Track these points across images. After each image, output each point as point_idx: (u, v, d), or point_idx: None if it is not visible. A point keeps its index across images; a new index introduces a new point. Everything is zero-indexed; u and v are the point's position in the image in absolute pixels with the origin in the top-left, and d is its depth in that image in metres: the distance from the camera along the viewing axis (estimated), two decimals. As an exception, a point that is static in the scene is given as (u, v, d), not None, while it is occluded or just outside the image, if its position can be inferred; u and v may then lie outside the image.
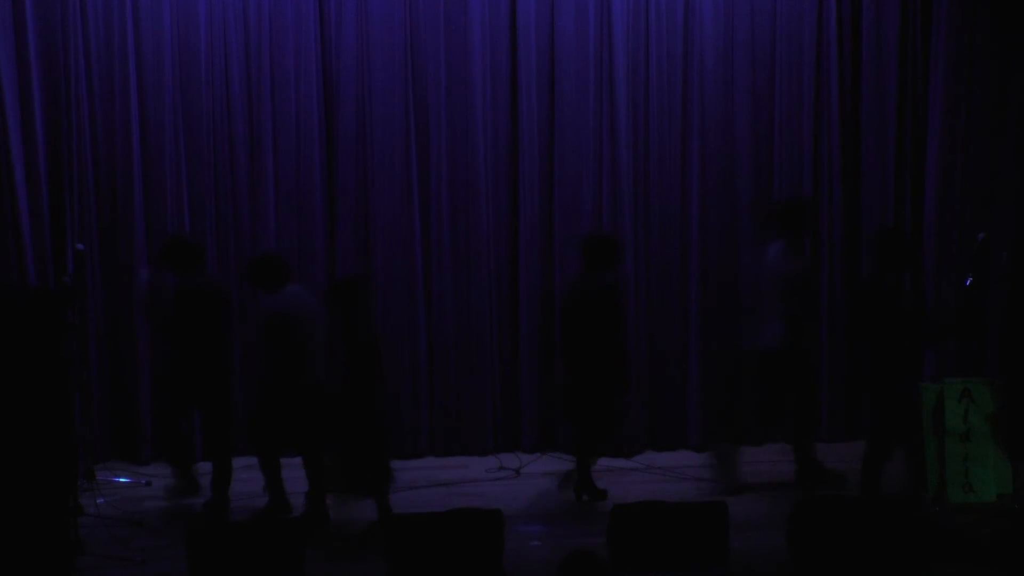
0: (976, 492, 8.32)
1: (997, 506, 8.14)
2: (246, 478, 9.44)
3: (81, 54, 9.40)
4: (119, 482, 9.30)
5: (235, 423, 9.04)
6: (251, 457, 8.83)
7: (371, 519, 8.26)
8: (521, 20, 9.87)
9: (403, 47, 9.84)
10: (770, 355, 8.82)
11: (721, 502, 7.08)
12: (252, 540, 6.76)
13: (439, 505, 8.17)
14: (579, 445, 8.97)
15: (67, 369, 7.87)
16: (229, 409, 8.87)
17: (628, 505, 7.00)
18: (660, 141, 10.01)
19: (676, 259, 10.06)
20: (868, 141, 10.13)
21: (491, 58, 9.91)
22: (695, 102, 10.00)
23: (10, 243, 9.09)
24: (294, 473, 8.63)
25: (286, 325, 8.36)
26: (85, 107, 9.45)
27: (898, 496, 8.22)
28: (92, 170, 9.50)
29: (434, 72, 9.87)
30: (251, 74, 9.74)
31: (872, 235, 9.06)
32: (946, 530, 7.87)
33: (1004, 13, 9.67)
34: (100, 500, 8.66)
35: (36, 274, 9.17)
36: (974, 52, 9.73)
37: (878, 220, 10.06)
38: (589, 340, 8.72)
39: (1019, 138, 9.72)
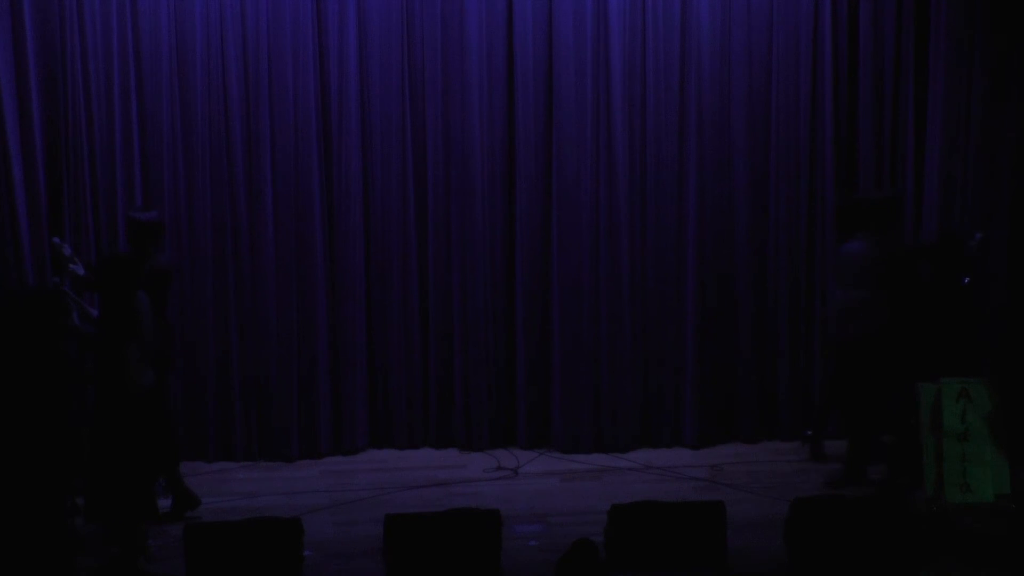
0: (974, 492, 8.33)
1: (995, 506, 8.15)
2: (243, 477, 9.47)
3: (79, 54, 9.38)
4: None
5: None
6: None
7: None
8: (518, 20, 9.86)
9: (400, 47, 9.84)
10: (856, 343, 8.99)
11: (719, 502, 7.10)
12: (250, 540, 6.76)
13: (437, 505, 8.18)
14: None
15: (65, 368, 7.87)
16: None
17: (626, 505, 7.02)
18: (657, 140, 10.01)
19: (672, 256, 10.08)
20: (865, 141, 10.13)
21: (488, 58, 9.90)
22: (691, 101, 10.00)
23: (8, 243, 9.07)
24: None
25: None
26: (82, 108, 9.43)
27: (895, 496, 8.24)
28: (89, 170, 9.47)
29: (431, 71, 9.87)
30: (248, 74, 9.72)
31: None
32: (943, 530, 7.87)
33: (1003, 12, 9.66)
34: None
35: (34, 275, 9.15)
36: (973, 51, 9.73)
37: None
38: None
39: (1019, 136, 9.72)
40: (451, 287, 10.01)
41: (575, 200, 9.96)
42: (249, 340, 9.79)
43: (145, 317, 7.86)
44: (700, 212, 10.03)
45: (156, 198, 9.57)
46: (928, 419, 8.37)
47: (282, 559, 6.76)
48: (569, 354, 10.02)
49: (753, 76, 10.06)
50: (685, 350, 10.07)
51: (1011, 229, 9.70)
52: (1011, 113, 9.69)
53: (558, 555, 6.10)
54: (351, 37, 9.79)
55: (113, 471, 7.72)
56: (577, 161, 9.95)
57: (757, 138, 10.09)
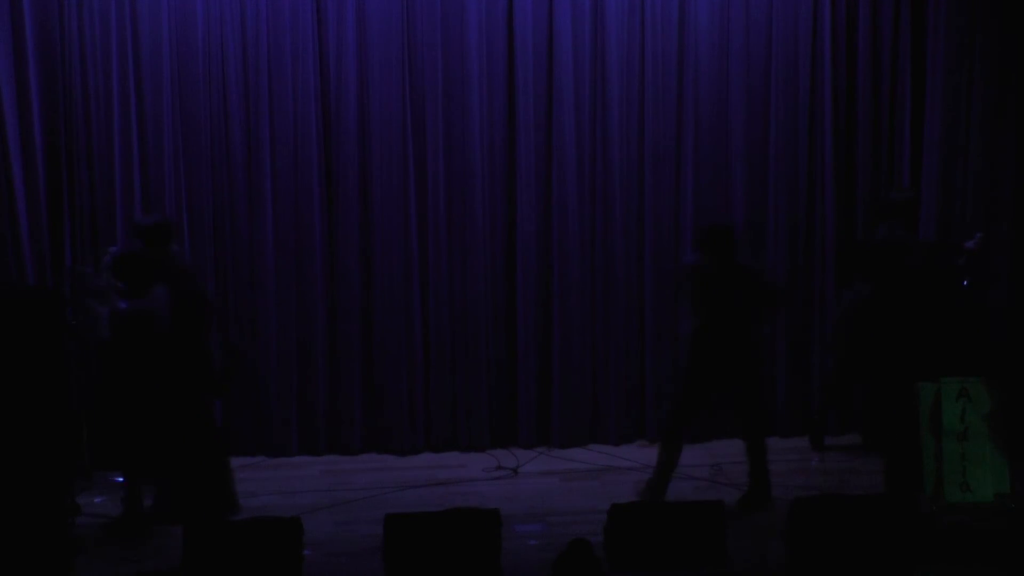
0: (973, 492, 8.33)
1: (994, 506, 8.15)
2: (243, 477, 9.47)
3: (78, 54, 9.40)
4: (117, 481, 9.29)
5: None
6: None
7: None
8: (518, 20, 9.87)
9: (400, 46, 9.84)
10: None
11: (719, 501, 7.10)
12: (250, 539, 6.77)
13: (437, 505, 8.19)
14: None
15: (65, 368, 7.87)
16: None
17: (626, 504, 7.02)
18: (655, 139, 10.01)
19: (671, 254, 10.08)
20: (864, 140, 10.14)
21: (488, 57, 9.91)
22: (689, 100, 10.01)
23: (8, 243, 9.09)
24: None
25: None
26: (82, 108, 9.44)
27: (895, 496, 8.23)
28: (87, 170, 9.49)
29: (431, 70, 9.87)
30: (248, 74, 9.73)
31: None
32: (943, 530, 7.87)
33: (1004, 12, 9.67)
34: (98, 499, 8.67)
35: (34, 275, 9.16)
36: (973, 51, 9.73)
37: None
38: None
39: (1019, 136, 9.72)
40: (452, 285, 10.01)
41: (575, 199, 9.97)
42: (248, 339, 9.80)
43: (164, 311, 8.16)
44: (698, 211, 10.04)
45: (156, 198, 9.58)
46: (927, 418, 8.37)
47: (282, 558, 6.76)
48: (569, 353, 10.04)
49: (751, 76, 10.07)
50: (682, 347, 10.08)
51: (1012, 229, 9.71)
52: (1011, 112, 9.70)
53: (558, 555, 6.11)
54: (351, 37, 9.79)
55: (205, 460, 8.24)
56: (577, 161, 9.96)
57: (755, 138, 10.10)
